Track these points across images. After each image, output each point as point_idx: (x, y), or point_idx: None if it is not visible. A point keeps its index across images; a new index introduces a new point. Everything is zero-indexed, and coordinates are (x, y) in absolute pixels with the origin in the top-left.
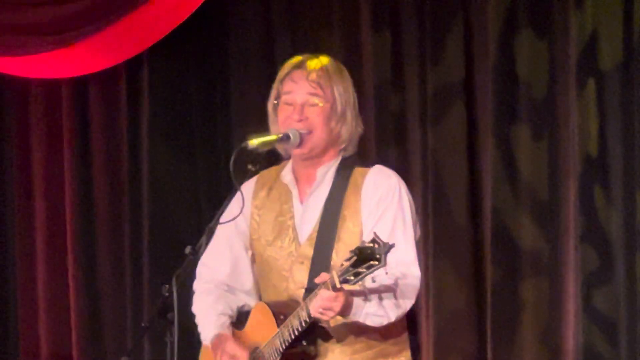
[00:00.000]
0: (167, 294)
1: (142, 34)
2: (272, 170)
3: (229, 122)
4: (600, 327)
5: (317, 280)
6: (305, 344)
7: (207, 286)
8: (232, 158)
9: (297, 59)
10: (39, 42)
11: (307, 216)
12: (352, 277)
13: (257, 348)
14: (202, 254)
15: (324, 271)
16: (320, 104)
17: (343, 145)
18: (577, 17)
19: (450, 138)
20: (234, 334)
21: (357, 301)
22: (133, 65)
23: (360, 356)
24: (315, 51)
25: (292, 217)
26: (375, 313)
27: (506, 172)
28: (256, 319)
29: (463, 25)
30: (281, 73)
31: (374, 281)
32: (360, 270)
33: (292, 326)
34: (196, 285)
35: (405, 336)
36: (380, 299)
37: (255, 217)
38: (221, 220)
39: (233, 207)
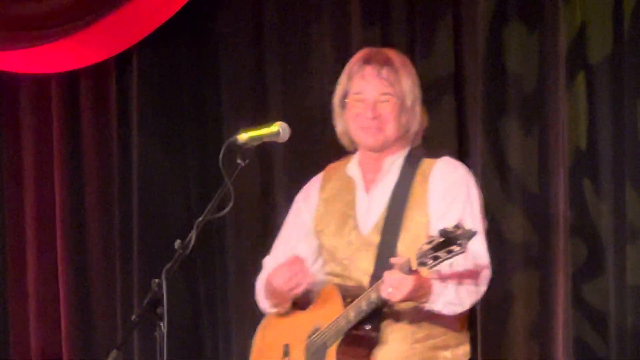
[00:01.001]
0: (156, 289)
1: (131, 28)
2: (339, 163)
3: (219, 116)
4: (590, 320)
5: (392, 261)
6: (369, 328)
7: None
8: (222, 152)
9: (364, 52)
10: (28, 37)
11: (373, 204)
12: (430, 261)
13: (317, 329)
14: (190, 248)
15: (388, 258)
16: (392, 100)
17: (411, 138)
18: (566, 10)
19: (440, 131)
20: (295, 315)
21: (437, 289)
22: (123, 59)
23: (421, 345)
24: (305, 44)
25: (354, 207)
26: (453, 302)
27: (496, 165)
28: (322, 300)
29: (452, 19)
30: (349, 69)
31: (451, 267)
32: (439, 254)
33: (359, 307)
34: (260, 277)
35: (465, 329)
36: (458, 287)
37: (320, 209)
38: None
39: (300, 205)
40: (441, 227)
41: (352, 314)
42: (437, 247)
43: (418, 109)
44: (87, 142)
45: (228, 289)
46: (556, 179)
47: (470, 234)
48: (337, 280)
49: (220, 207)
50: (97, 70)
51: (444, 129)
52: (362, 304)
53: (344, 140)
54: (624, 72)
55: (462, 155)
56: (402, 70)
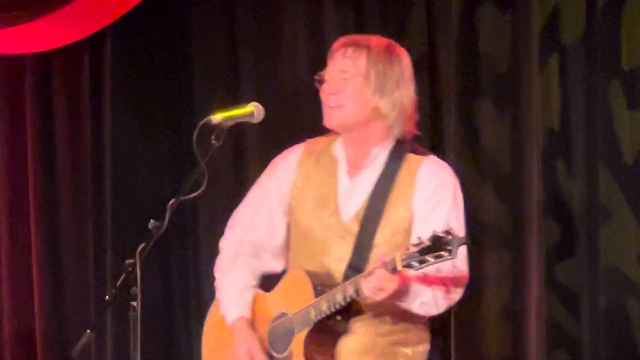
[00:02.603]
0: (130, 269)
1: (105, 9)
2: (321, 140)
3: (191, 96)
4: (563, 300)
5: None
6: (339, 318)
7: (233, 248)
8: (195, 133)
9: (345, 38)
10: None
11: (356, 192)
12: (416, 264)
13: (284, 314)
14: (164, 229)
15: (365, 249)
16: (351, 79)
17: (389, 123)
18: None
19: None
20: (259, 296)
21: (415, 289)
22: (96, 40)
23: (382, 339)
24: (278, 26)
25: (336, 191)
26: (429, 303)
27: (469, 145)
28: (290, 284)
29: (425, 1)
30: (329, 55)
31: (433, 270)
32: (427, 258)
33: (333, 299)
34: (222, 244)
35: (426, 330)
36: (435, 289)
37: (298, 184)
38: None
39: (277, 172)
40: (426, 229)
41: (325, 305)
42: (425, 251)
43: (391, 89)
44: (60, 123)
45: (201, 269)
46: (529, 160)
47: (461, 241)
48: (301, 258)
49: (194, 188)
50: (71, 52)
51: (418, 109)
52: (338, 297)
53: None
54: (597, 53)
55: (435, 136)
56: (374, 49)
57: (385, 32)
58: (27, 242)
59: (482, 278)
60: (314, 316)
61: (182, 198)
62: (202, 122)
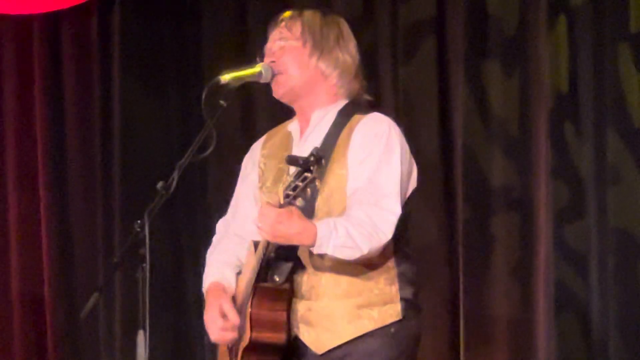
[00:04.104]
0: (138, 230)
1: None
2: (280, 125)
3: (200, 58)
4: (571, 262)
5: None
6: (277, 280)
7: (217, 237)
8: (204, 94)
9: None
10: None
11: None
12: (291, 192)
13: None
14: (172, 189)
15: (309, 213)
16: (288, 44)
17: (333, 82)
18: None
19: (422, 75)
20: (238, 281)
21: (323, 231)
22: (104, 2)
23: (341, 302)
24: None
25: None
26: (344, 244)
27: (477, 108)
28: (247, 259)
29: None
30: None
31: (310, 198)
32: (298, 183)
33: (259, 255)
34: (217, 226)
35: (395, 287)
36: (349, 230)
37: (261, 166)
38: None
39: (247, 163)
40: (354, 181)
41: (255, 262)
42: (296, 177)
43: (329, 49)
44: (68, 85)
45: (210, 230)
46: (537, 122)
47: (318, 157)
48: None
49: (203, 149)
50: (79, 13)
51: (426, 72)
52: (259, 252)
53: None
54: (605, 15)
55: (443, 98)
56: (308, 16)
57: None
58: (35, 204)
59: (491, 240)
60: (250, 279)
61: (190, 159)
62: (210, 83)
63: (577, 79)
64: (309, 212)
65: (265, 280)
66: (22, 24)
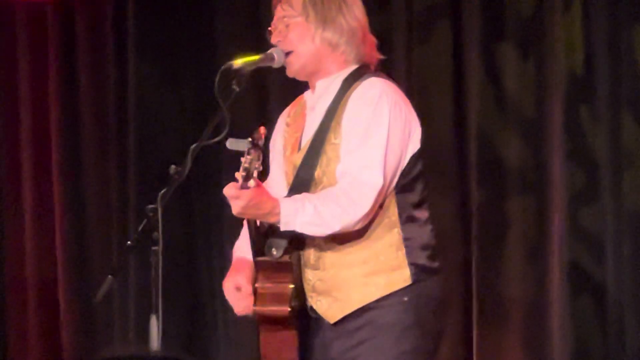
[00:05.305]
0: (151, 214)
1: None
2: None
3: (214, 43)
4: (587, 245)
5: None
6: (275, 253)
7: None
8: (217, 78)
9: None
10: None
11: (312, 125)
12: (243, 172)
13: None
14: (186, 174)
15: (305, 182)
16: (292, 20)
17: (342, 50)
18: None
19: (437, 57)
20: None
21: (288, 209)
22: None
23: (348, 272)
24: None
25: (302, 130)
26: (313, 222)
27: (492, 90)
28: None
29: None
30: None
31: (255, 175)
32: (245, 165)
33: (250, 229)
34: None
35: (402, 252)
36: (318, 207)
37: (285, 135)
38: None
39: (276, 131)
40: (344, 148)
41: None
42: (245, 160)
43: (331, 17)
44: (83, 71)
45: (223, 215)
46: (553, 104)
47: (256, 137)
48: None
49: (216, 133)
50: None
51: (441, 53)
52: (251, 225)
53: None
54: None
55: (458, 80)
56: None
57: None
58: (50, 189)
59: (506, 222)
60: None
61: (204, 143)
62: (223, 67)
63: (593, 61)
64: (306, 182)
65: (263, 254)
66: (36, 9)
